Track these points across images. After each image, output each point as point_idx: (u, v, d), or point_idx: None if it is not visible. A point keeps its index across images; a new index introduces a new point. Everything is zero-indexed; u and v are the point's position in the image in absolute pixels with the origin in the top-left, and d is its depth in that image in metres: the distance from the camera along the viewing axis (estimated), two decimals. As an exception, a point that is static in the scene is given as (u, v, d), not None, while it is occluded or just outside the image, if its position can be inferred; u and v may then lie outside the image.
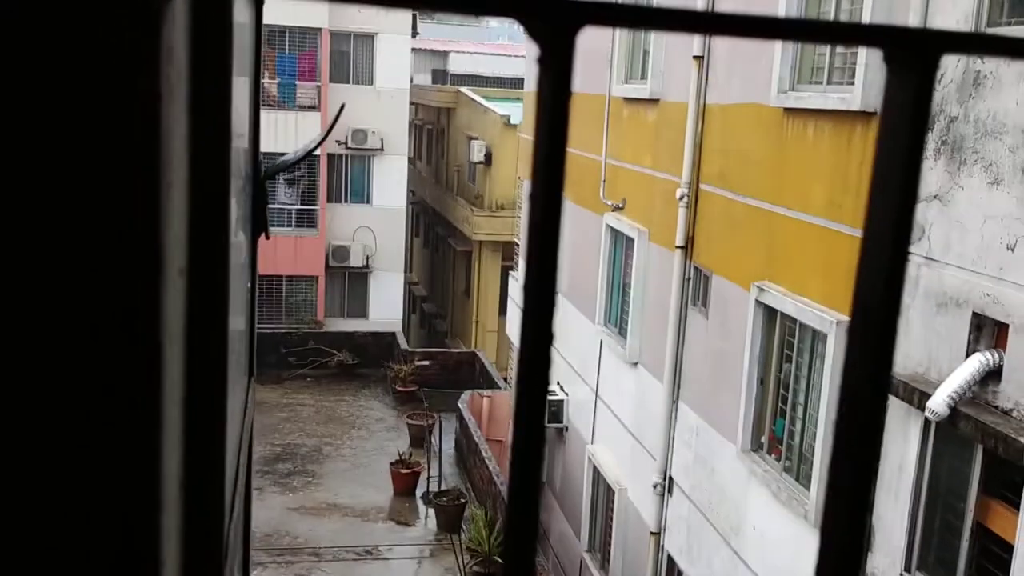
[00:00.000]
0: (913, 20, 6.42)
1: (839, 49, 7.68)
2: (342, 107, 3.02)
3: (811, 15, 8.02)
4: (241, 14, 1.42)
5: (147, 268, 0.50)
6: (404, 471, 16.87)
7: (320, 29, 23.95)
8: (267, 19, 24.71)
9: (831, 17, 7.73)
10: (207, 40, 0.73)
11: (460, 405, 18.44)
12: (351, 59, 24.79)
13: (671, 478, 10.42)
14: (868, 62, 6.94)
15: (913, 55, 0.42)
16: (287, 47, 24.11)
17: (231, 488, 1.20)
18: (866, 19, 6.99)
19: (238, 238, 1.48)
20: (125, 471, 0.52)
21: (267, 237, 1.86)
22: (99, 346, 0.50)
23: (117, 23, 0.46)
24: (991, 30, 5.87)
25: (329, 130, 2.72)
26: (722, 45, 9.46)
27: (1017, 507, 5.56)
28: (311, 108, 23.92)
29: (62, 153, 0.48)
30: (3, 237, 0.48)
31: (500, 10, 0.40)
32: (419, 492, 16.95)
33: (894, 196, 0.44)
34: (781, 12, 8.13)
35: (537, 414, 0.43)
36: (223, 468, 1.00)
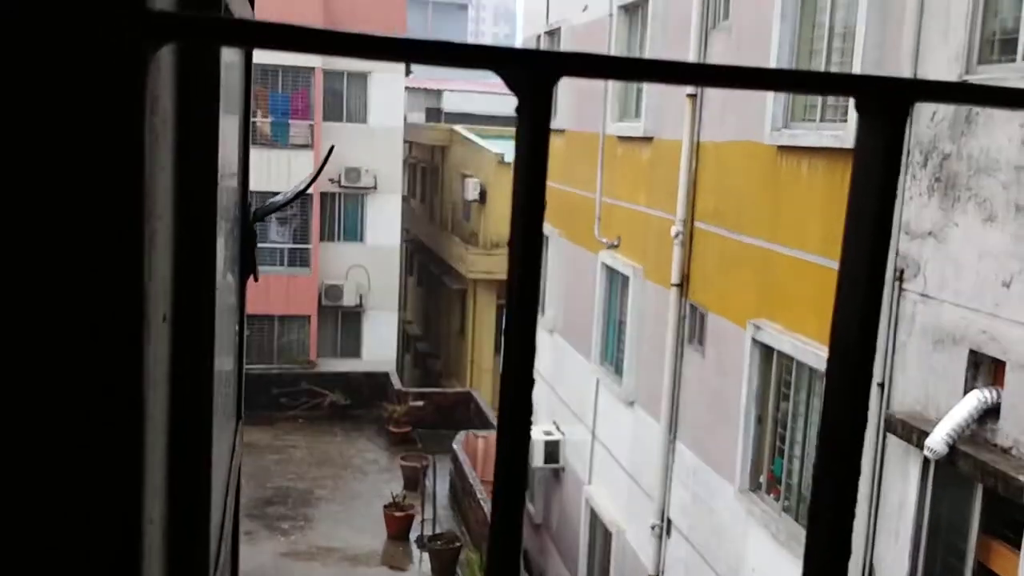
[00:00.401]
0: (904, 59, 6.50)
1: (829, 88, 7.76)
2: (331, 149, 3.04)
3: (803, 55, 8.12)
4: (230, 54, 1.43)
5: (129, 316, 0.50)
6: (398, 514, 16.69)
7: (313, 68, 24.15)
8: (260, 58, 24.69)
9: (824, 56, 7.82)
10: (194, 89, 0.73)
11: (454, 446, 18.31)
12: (344, 98, 24.98)
13: (669, 519, 10.33)
14: (858, 101, 7.01)
15: (884, 104, 0.42)
16: (280, 86, 24.30)
17: (217, 534, 1.18)
18: (857, 58, 7.07)
19: (226, 280, 1.48)
20: (105, 518, 0.51)
21: (255, 279, 1.85)
22: (80, 392, 0.49)
23: (103, 74, 0.46)
24: (982, 68, 5.94)
25: (318, 172, 2.73)
26: (714, 85, 9.55)
27: (1018, 547, 5.51)
28: (304, 147, 24.05)
29: (45, 201, 0.48)
30: None
31: (480, 63, 0.41)
32: (413, 536, 16.75)
33: (866, 241, 0.44)
34: (773, 52, 8.23)
35: (520, 451, 0.42)
36: (208, 516, 0.98)
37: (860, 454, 0.46)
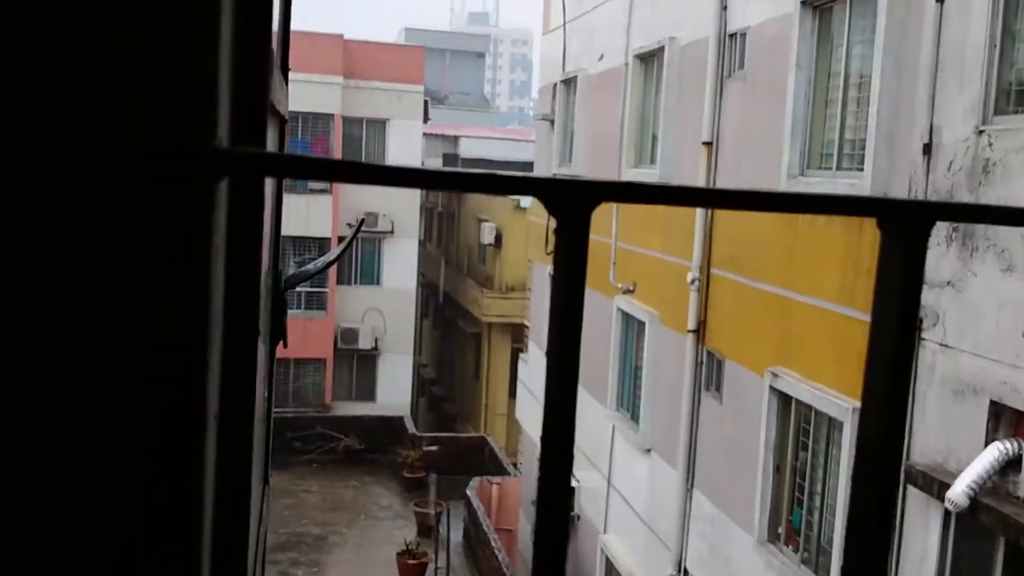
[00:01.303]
0: (920, 109, 6.51)
1: (847, 135, 7.79)
2: (362, 220, 3.08)
3: (819, 103, 8.15)
4: (274, 138, 1.46)
5: (193, 418, 0.53)
6: (411, 562, 16.52)
7: (332, 115, 24.47)
8: (283, 107, 25.02)
9: (839, 106, 7.85)
10: (243, 215, 0.77)
11: (468, 492, 18.16)
12: (363, 144, 25.26)
13: (686, 570, 10.17)
14: (877, 148, 7.02)
15: (906, 225, 0.42)
16: (300, 132, 24.60)
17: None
18: (872, 107, 7.08)
19: (259, 350, 1.49)
20: None
21: (285, 346, 1.87)
22: (145, 495, 0.51)
23: (176, 205, 0.50)
24: (998, 119, 5.94)
25: (349, 243, 2.76)
26: (731, 130, 9.60)
27: (1043, 603, 5.39)
28: (323, 192, 24.28)
29: (128, 316, 0.51)
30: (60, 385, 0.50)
31: (523, 191, 0.42)
32: (427, 582, 16.56)
33: (889, 360, 0.44)
34: (789, 101, 8.27)
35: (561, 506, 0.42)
36: None
37: (893, 519, 0.45)
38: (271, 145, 1.35)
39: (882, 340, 0.44)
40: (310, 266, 2.64)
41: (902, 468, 6.49)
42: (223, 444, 0.75)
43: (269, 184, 1.53)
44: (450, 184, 0.40)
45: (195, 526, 0.53)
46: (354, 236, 2.93)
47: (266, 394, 1.76)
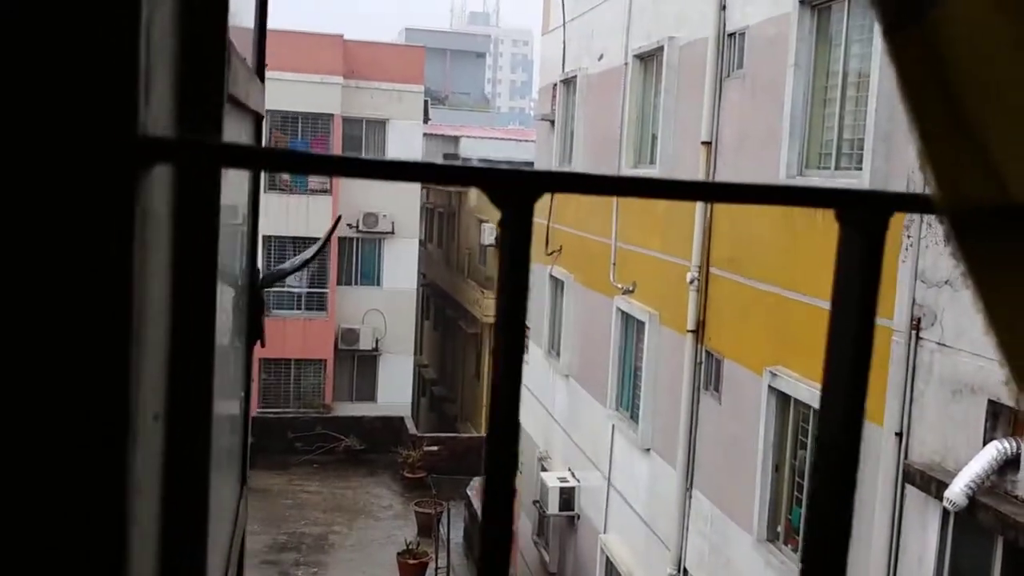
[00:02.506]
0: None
1: (846, 135, 7.80)
2: (338, 219, 3.10)
3: (818, 103, 8.16)
4: (241, 133, 1.46)
5: (113, 420, 0.51)
6: (411, 562, 16.53)
7: (332, 115, 24.48)
8: (280, 105, 25.04)
9: (838, 104, 7.85)
10: (193, 202, 0.75)
11: (469, 492, 18.16)
12: (363, 144, 25.26)
13: (685, 569, 10.17)
14: (875, 147, 7.03)
15: (864, 217, 0.43)
16: (299, 133, 24.61)
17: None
18: (871, 106, 7.08)
19: (233, 349, 1.49)
20: None
21: (262, 345, 1.87)
22: (63, 500, 0.50)
23: (93, 194, 0.49)
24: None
25: (324, 242, 2.77)
26: (730, 130, 9.61)
27: (1042, 602, 5.40)
28: (323, 192, 24.29)
29: (32, 312, 0.49)
30: None
31: (466, 181, 0.42)
32: (428, 582, 16.58)
33: (849, 351, 0.44)
34: (787, 100, 8.27)
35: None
36: None
37: (854, 494, 0.46)
38: (237, 140, 1.35)
39: (842, 333, 0.45)
40: (286, 265, 2.65)
41: (900, 467, 6.50)
42: (173, 445, 0.75)
43: (239, 178, 1.53)
44: (388, 174, 0.40)
45: (117, 529, 0.52)
46: (328, 236, 2.95)
47: (243, 393, 1.76)
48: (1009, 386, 0.43)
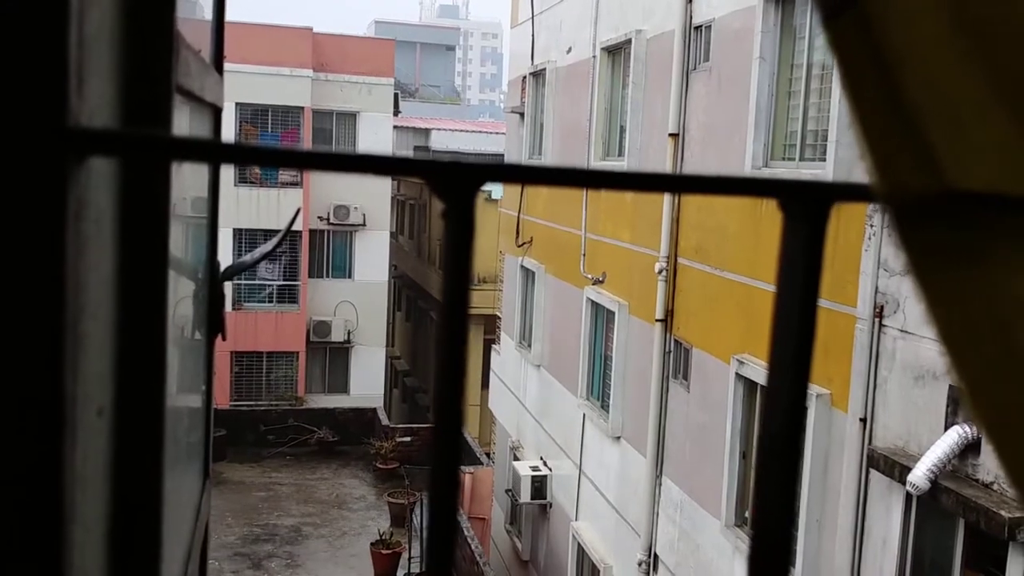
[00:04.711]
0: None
1: (810, 126, 7.89)
2: (297, 211, 3.08)
3: (782, 95, 8.24)
4: (196, 126, 1.47)
5: (48, 416, 0.50)
6: (385, 551, 16.54)
7: (302, 108, 24.30)
8: (249, 98, 24.80)
9: (802, 97, 7.94)
10: (139, 196, 0.75)
11: (443, 482, 18.15)
12: (333, 136, 25.10)
13: (656, 555, 10.28)
14: (839, 139, 7.12)
15: (806, 207, 0.46)
16: (270, 125, 24.41)
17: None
18: (835, 98, 7.17)
19: (192, 342, 1.49)
20: None
21: (223, 338, 1.87)
22: None
23: (23, 186, 0.48)
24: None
25: (284, 235, 2.77)
26: (697, 122, 9.68)
27: (1001, 582, 5.53)
28: (293, 185, 24.11)
29: None
30: None
31: (410, 172, 0.44)
32: (400, 573, 16.58)
33: (792, 337, 0.47)
34: (752, 92, 8.35)
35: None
36: None
37: (799, 469, 0.48)
38: (192, 133, 1.34)
39: (785, 322, 0.47)
40: (247, 257, 2.64)
41: (864, 452, 6.61)
42: (123, 439, 0.73)
43: (197, 171, 1.53)
44: (330, 165, 0.41)
45: (54, 524, 0.51)
46: (288, 228, 2.93)
47: (204, 387, 1.76)
48: (950, 375, 0.45)
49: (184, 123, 1.25)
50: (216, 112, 1.77)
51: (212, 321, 1.76)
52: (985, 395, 0.43)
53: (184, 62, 1.04)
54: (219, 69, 1.88)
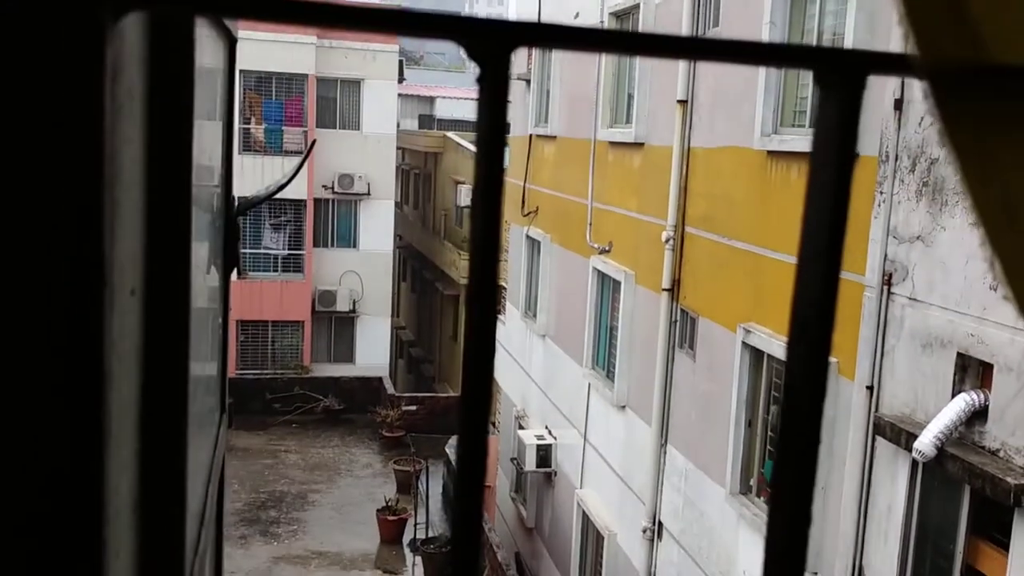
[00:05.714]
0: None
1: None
2: (313, 143, 3.07)
3: (792, 72, 8.14)
4: (213, 58, 1.45)
5: (90, 285, 0.51)
6: (391, 518, 16.68)
7: (306, 75, 24.17)
8: (253, 65, 24.75)
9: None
10: (167, 67, 0.74)
11: (447, 450, 18.29)
12: (338, 105, 25.00)
13: (660, 522, 10.33)
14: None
15: (842, 76, 0.44)
16: (274, 93, 24.31)
17: (197, 520, 1.18)
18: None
19: (209, 273, 1.48)
20: (68, 490, 0.51)
21: (239, 275, 1.86)
22: (39, 358, 0.50)
23: (61, 43, 0.48)
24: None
25: (300, 165, 2.75)
26: (706, 89, 9.59)
27: (1006, 548, 5.54)
28: (297, 153, 24.04)
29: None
30: None
31: (441, 34, 0.42)
32: (406, 539, 16.74)
33: (826, 216, 0.45)
34: (761, 71, 8.25)
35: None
36: (183, 490, 0.98)
37: (819, 440, 0.47)
38: (212, 61, 1.32)
39: (819, 195, 0.45)
40: (261, 190, 2.63)
41: (870, 419, 6.61)
42: (151, 322, 0.73)
43: (212, 128, 1.51)
44: (356, 24, 0.39)
45: (95, 384, 0.52)
46: (303, 160, 2.92)
47: (220, 321, 1.75)
48: (983, 247, 0.44)
49: (206, 52, 1.23)
50: (231, 42, 1.75)
51: (228, 255, 1.75)
52: (1020, 268, 0.42)
53: None
54: None
